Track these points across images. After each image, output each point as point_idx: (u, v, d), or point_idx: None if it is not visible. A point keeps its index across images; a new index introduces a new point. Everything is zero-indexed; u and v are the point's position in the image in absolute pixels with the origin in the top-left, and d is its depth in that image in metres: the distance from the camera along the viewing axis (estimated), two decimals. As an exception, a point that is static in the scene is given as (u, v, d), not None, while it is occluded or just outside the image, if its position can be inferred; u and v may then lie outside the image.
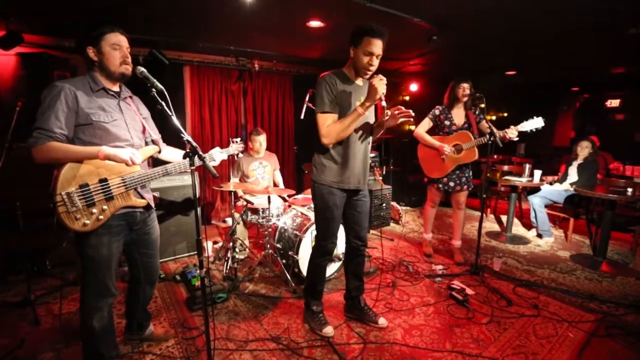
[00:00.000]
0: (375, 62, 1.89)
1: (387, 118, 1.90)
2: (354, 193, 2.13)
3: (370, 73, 1.92)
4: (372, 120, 2.09)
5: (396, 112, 1.86)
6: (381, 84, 1.78)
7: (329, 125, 1.92)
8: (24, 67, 3.30)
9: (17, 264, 2.89)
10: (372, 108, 1.99)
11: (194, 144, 1.49)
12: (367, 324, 2.30)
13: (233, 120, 4.82)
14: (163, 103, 1.49)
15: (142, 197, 1.72)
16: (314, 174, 2.07)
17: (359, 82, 2.03)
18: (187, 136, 1.49)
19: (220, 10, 2.89)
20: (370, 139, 2.11)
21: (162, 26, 3.38)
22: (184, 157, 1.51)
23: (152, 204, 1.80)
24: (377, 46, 1.85)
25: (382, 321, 2.28)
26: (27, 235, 2.45)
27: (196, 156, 1.50)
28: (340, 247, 2.70)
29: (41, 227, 2.49)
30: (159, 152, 1.83)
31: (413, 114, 1.84)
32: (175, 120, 1.49)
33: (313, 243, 2.71)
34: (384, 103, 1.81)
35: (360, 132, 2.02)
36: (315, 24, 3.24)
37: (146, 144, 1.81)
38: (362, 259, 2.31)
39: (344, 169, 2.01)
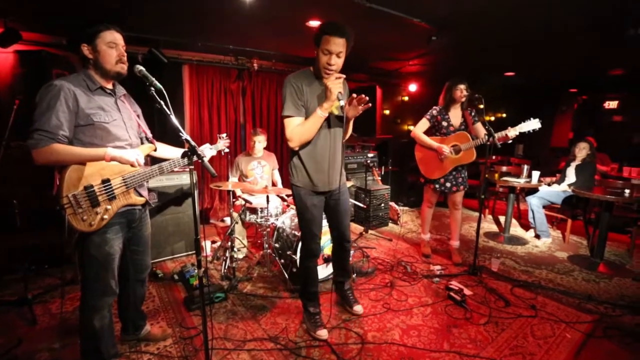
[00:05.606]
0: (334, 61, 1.80)
1: (346, 111, 1.86)
2: (329, 194, 2.12)
3: (330, 73, 1.83)
4: (339, 119, 2.02)
5: (355, 101, 1.79)
6: (336, 83, 1.73)
7: (292, 129, 1.88)
8: (22, 64, 3.27)
9: (14, 263, 2.88)
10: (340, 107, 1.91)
11: (193, 143, 1.49)
12: (344, 307, 2.45)
13: (232, 120, 4.81)
14: (162, 102, 1.49)
15: (141, 195, 1.73)
16: (291, 176, 2.07)
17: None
18: (185, 135, 1.50)
19: (220, 10, 2.89)
20: (339, 138, 2.02)
21: (161, 25, 3.37)
22: (183, 157, 1.52)
23: (150, 201, 1.83)
24: (336, 44, 1.76)
25: (357, 308, 2.39)
26: (25, 234, 2.44)
27: (195, 155, 1.50)
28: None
29: (38, 226, 2.49)
30: (155, 150, 1.84)
31: (367, 99, 1.77)
32: (174, 119, 1.49)
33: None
34: (342, 102, 1.75)
35: (326, 133, 1.98)
36: (314, 23, 3.24)
37: (141, 141, 1.81)
38: (347, 254, 2.41)
39: (313, 171, 2.00)
